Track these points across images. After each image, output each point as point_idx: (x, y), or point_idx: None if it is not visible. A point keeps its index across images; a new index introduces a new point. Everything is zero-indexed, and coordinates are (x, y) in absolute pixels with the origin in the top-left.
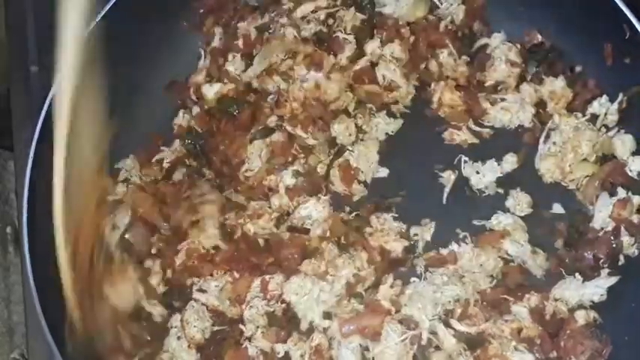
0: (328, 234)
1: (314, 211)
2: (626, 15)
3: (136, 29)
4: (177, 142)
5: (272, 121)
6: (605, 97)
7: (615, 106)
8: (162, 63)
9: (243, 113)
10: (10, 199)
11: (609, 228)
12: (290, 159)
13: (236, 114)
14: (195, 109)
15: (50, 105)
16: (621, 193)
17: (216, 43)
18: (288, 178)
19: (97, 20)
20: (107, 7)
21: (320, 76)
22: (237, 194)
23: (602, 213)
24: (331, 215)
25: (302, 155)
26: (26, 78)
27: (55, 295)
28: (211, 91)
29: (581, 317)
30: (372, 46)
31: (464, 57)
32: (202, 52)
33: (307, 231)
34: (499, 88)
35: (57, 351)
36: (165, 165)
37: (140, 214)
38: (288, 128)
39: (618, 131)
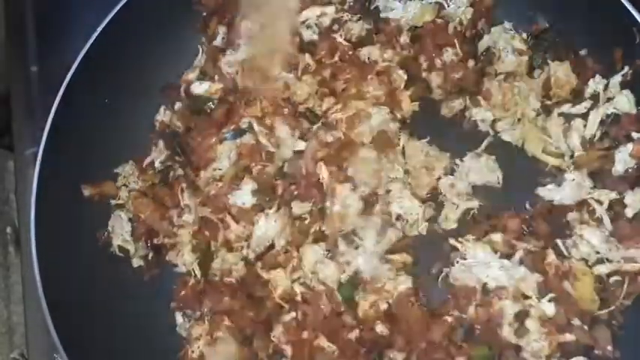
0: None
1: (269, 227)
2: (636, 19)
3: (138, 34)
4: (161, 142)
5: (244, 122)
6: (598, 77)
7: (619, 78)
8: (162, 67)
9: (216, 111)
10: (10, 200)
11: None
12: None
13: (209, 111)
14: (178, 105)
15: (59, 103)
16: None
17: (218, 42)
18: (247, 197)
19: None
20: (111, 16)
21: (291, 77)
22: (203, 208)
23: (622, 154)
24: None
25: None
26: (26, 78)
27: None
28: (201, 89)
29: None
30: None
31: (471, 61)
32: (200, 49)
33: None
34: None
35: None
36: (158, 166)
37: (142, 219)
38: (256, 128)
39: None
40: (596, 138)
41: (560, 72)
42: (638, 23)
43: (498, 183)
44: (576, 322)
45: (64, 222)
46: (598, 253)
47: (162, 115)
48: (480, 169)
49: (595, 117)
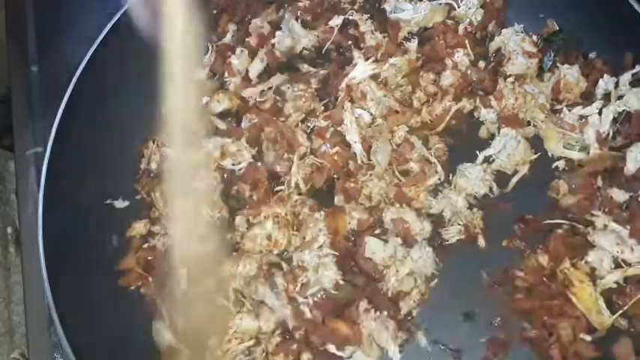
0: None
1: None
2: None
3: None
4: (151, 144)
5: None
6: (606, 76)
7: (628, 77)
8: None
9: None
10: (11, 200)
11: None
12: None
13: None
14: None
15: (67, 102)
16: None
17: (227, 39)
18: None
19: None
20: (117, 16)
21: None
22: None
23: (633, 153)
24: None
25: None
26: (26, 78)
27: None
28: (220, 107)
29: None
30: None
31: (481, 62)
32: (209, 47)
33: None
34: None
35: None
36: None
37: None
38: None
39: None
40: (610, 136)
41: (570, 75)
42: None
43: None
44: (585, 337)
45: (71, 224)
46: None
47: None
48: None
49: (607, 114)
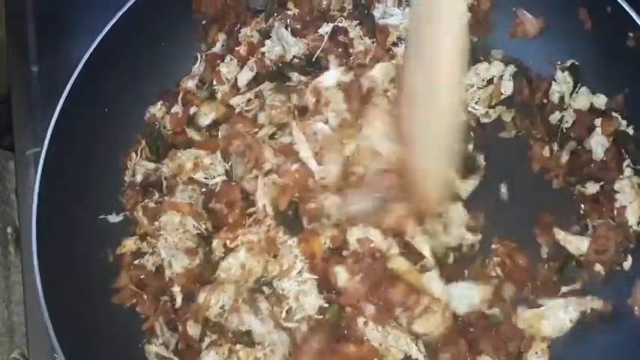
0: None
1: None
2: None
3: (139, 41)
4: (134, 155)
5: None
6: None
7: None
8: (161, 74)
9: None
10: (11, 200)
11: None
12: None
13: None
14: (175, 108)
15: (65, 100)
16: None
17: (217, 49)
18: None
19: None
20: (111, 23)
21: None
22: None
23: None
24: None
25: None
26: (26, 78)
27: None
28: (208, 119)
29: None
30: None
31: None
32: (198, 57)
33: None
34: None
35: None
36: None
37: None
38: None
39: None
40: None
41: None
42: None
43: None
44: None
45: (66, 226)
46: None
47: (156, 109)
48: None
49: None
